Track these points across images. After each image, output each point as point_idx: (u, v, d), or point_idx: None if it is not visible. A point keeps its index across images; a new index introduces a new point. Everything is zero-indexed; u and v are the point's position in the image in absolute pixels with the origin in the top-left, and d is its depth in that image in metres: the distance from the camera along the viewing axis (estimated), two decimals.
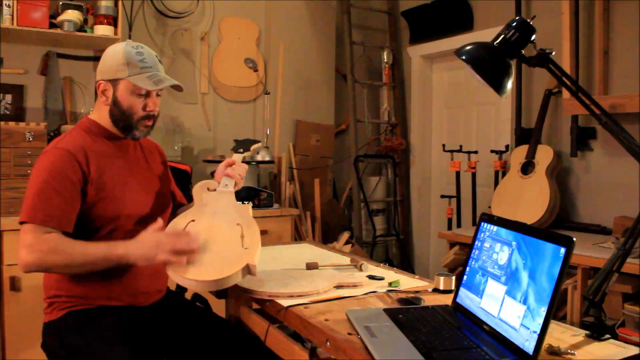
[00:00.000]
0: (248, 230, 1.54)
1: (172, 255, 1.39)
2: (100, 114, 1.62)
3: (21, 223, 1.48)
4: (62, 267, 1.45)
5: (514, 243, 1.20)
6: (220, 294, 1.77)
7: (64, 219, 1.47)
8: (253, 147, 1.91)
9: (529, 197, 2.91)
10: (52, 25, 2.82)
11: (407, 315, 1.28)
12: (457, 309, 1.34)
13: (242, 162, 1.79)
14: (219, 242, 1.50)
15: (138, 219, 1.61)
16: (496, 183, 3.30)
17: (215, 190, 1.69)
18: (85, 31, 2.90)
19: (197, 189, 1.70)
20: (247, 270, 1.44)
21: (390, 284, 1.60)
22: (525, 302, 1.09)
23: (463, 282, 1.36)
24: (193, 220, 1.57)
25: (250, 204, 1.72)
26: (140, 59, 1.57)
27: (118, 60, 1.56)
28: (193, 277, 1.38)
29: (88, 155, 1.54)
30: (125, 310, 1.55)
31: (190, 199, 1.79)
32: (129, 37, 3.23)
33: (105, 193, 1.55)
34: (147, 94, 1.59)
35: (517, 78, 3.28)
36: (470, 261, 1.36)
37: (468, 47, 1.36)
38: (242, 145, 1.90)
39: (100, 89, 1.60)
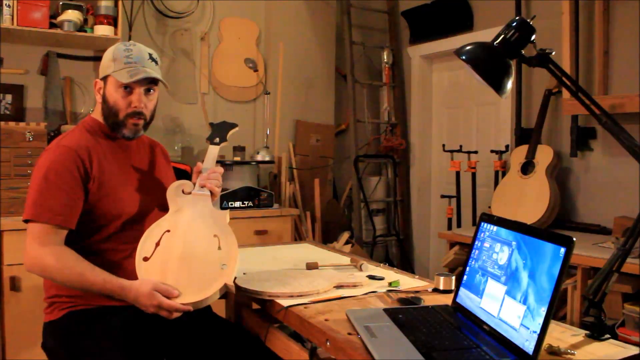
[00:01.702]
0: (225, 243, 1.51)
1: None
2: (98, 113, 1.64)
3: (26, 221, 1.49)
4: (60, 283, 1.49)
5: (513, 243, 1.20)
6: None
7: (68, 216, 1.48)
8: (230, 133, 1.75)
9: (529, 197, 2.91)
10: (52, 25, 2.82)
11: (407, 315, 1.28)
12: (457, 309, 1.34)
13: (225, 164, 1.69)
14: (195, 258, 1.47)
15: (139, 218, 1.62)
16: (496, 183, 3.30)
17: (190, 193, 1.60)
18: (85, 31, 2.90)
19: (171, 192, 1.60)
20: (225, 289, 1.43)
21: (390, 284, 1.60)
22: (525, 302, 1.09)
23: (463, 282, 1.36)
24: (168, 231, 1.52)
25: (228, 211, 1.61)
26: (127, 55, 1.57)
27: (108, 57, 1.59)
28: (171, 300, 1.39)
29: (90, 153, 1.55)
30: (126, 310, 1.55)
31: None
32: (129, 37, 3.23)
33: (107, 191, 1.55)
34: (131, 90, 1.57)
35: (517, 78, 3.28)
36: (470, 261, 1.36)
37: (468, 47, 1.36)
38: (218, 131, 1.74)
39: (97, 88, 1.63)
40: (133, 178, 1.65)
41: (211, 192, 1.62)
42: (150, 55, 1.62)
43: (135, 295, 1.41)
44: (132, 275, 1.56)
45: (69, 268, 1.44)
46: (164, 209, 1.69)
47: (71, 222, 1.49)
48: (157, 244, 1.50)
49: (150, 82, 1.60)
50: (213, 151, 1.71)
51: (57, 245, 1.47)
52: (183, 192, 1.61)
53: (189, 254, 1.48)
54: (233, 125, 1.78)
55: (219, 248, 1.50)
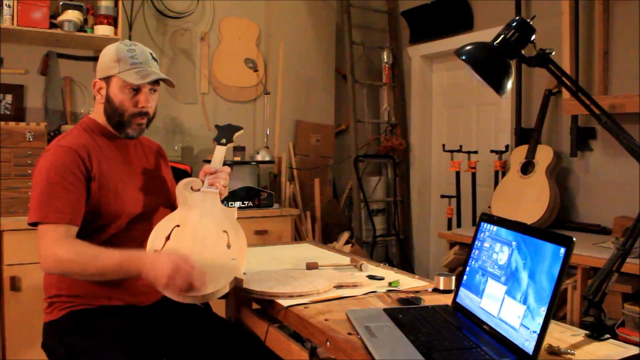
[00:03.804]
0: (235, 238, 1.52)
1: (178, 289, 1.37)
2: (98, 113, 1.64)
3: (34, 224, 1.47)
4: (79, 275, 1.46)
5: (513, 243, 1.20)
6: None
7: (74, 215, 1.47)
8: (236, 135, 1.79)
9: (529, 197, 2.91)
10: (52, 25, 2.82)
11: (407, 315, 1.28)
12: (457, 309, 1.34)
13: (225, 163, 1.70)
14: (205, 253, 1.48)
15: (139, 218, 1.61)
16: (496, 183, 3.30)
17: (199, 190, 1.63)
18: (86, 31, 2.90)
19: (181, 188, 1.63)
20: (235, 282, 1.43)
21: (390, 284, 1.60)
22: (525, 302, 1.09)
23: (463, 282, 1.36)
24: (178, 226, 1.53)
25: (236, 208, 1.64)
26: (131, 55, 1.57)
27: (110, 58, 1.58)
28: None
29: (89, 152, 1.55)
30: (126, 310, 1.55)
31: None
32: (129, 37, 3.24)
33: (106, 191, 1.55)
34: (138, 90, 1.58)
35: (517, 78, 3.28)
36: (470, 261, 1.36)
37: (468, 47, 1.36)
38: (224, 133, 1.78)
39: (96, 88, 1.62)
40: (132, 178, 1.65)
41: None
42: (151, 54, 1.63)
43: (152, 259, 1.38)
44: (133, 277, 1.56)
45: (83, 254, 1.42)
46: (165, 208, 1.69)
47: (77, 220, 1.49)
48: (167, 238, 1.51)
49: (155, 82, 1.61)
50: (220, 151, 1.73)
51: (69, 239, 1.45)
52: (192, 189, 1.63)
53: (198, 248, 1.49)
54: (238, 128, 1.81)
55: (228, 243, 1.52)
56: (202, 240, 1.51)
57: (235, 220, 1.58)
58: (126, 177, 1.63)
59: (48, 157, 1.52)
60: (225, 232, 1.54)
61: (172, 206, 1.72)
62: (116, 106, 1.58)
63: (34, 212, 1.46)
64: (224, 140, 1.76)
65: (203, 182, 1.65)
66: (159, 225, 1.54)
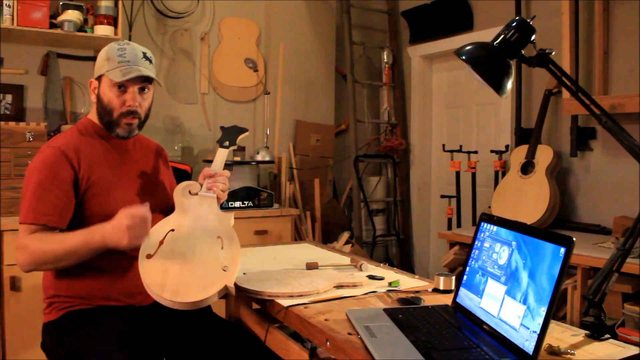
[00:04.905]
0: (228, 244, 1.52)
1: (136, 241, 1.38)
2: (93, 113, 1.64)
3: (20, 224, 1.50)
4: (52, 262, 1.46)
5: (513, 243, 1.20)
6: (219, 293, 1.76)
7: (55, 216, 1.48)
8: (240, 137, 1.78)
9: (529, 197, 2.91)
10: (52, 25, 2.82)
11: (407, 315, 1.28)
12: (457, 309, 1.34)
13: (225, 165, 1.69)
14: (198, 258, 1.47)
15: None
16: (496, 183, 3.30)
17: (197, 194, 1.61)
18: (86, 31, 2.90)
19: (178, 192, 1.62)
20: (225, 290, 1.43)
21: (390, 284, 1.60)
22: (525, 302, 1.09)
23: (463, 282, 1.36)
24: (173, 230, 1.52)
25: (233, 213, 1.63)
26: (120, 54, 1.56)
27: (102, 57, 1.59)
28: (170, 298, 1.38)
29: (79, 153, 1.55)
30: (125, 310, 1.55)
31: None
32: (129, 37, 3.24)
33: (97, 191, 1.55)
34: (125, 89, 1.57)
35: (517, 78, 3.28)
36: (470, 261, 1.36)
37: (468, 47, 1.36)
38: (228, 135, 1.76)
39: (91, 88, 1.63)
40: (127, 179, 1.64)
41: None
42: (144, 54, 1.61)
43: (110, 222, 1.39)
44: (132, 277, 1.56)
45: (49, 240, 1.44)
46: (163, 209, 1.68)
47: (60, 222, 1.49)
48: (161, 242, 1.50)
49: (143, 81, 1.59)
50: (222, 154, 1.71)
51: (37, 233, 1.46)
52: (190, 193, 1.62)
53: (191, 254, 1.48)
54: (243, 130, 1.80)
55: (222, 249, 1.51)
56: (195, 246, 1.50)
57: (230, 226, 1.57)
58: (121, 178, 1.62)
59: (37, 159, 1.53)
60: (220, 238, 1.53)
61: (170, 208, 1.70)
62: (105, 105, 1.58)
63: (20, 214, 1.49)
64: (226, 143, 1.74)
65: (202, 186, 1.63)
66: (154, 229, 1.52)
